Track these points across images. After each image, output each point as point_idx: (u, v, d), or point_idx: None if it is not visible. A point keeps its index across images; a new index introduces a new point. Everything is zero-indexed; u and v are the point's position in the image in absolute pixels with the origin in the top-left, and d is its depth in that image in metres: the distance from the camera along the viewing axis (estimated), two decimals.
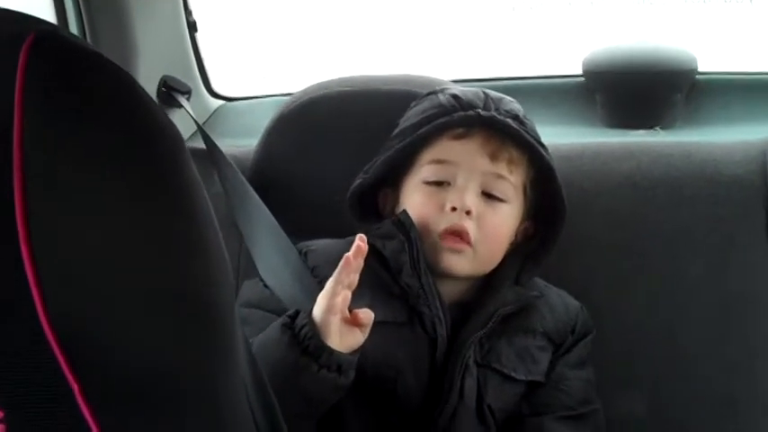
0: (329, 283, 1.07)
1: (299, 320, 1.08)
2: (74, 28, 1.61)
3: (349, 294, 1.07)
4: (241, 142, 1.65)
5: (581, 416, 1.21)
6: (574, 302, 1.29)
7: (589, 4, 2.57)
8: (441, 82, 1.44)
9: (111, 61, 0.55)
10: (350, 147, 1.31)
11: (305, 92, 1.51)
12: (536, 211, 1.29)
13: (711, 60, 1.89)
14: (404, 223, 1.21)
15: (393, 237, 1.22)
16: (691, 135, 1.69)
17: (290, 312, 1.11)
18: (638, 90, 1.81)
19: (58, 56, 0.53)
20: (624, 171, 1.43)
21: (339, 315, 1.06)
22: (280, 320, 1.11)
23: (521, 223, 1.27)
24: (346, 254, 1.07)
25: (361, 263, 1.07)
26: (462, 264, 1.20)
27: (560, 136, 1.61)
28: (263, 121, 1.56)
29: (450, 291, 1.22)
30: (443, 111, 1.23)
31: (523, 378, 1.20)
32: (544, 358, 1.22)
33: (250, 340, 1.11)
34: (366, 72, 1.55)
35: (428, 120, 1.24)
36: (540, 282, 1.31)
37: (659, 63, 1.81)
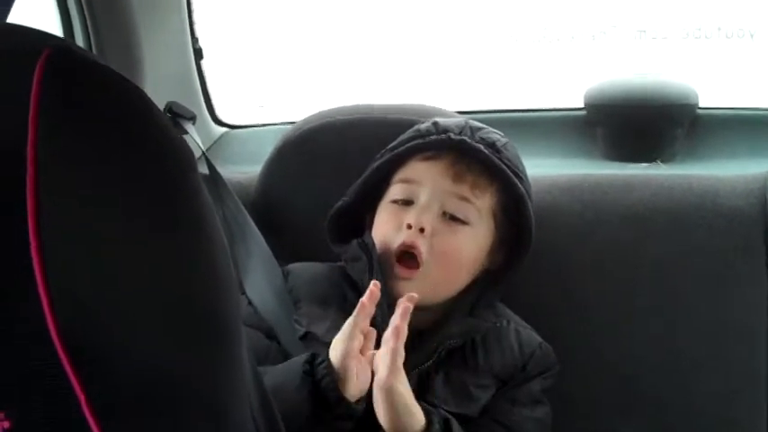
0: (346, 327, 1.09)
1: (320, 370, 1.08)
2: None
3: (362, 338, 1.09)
4: (244, 169, 1.66)
5: None
6: (533, 340, 1.26)
7: (591, 39, 2.59)
8: (442, 111, 1.46)
9: (125, 78, 0.56)
10: (351, 175, 1.32)
11: (307, 120, 1.52)
12: (508, 241, 1.28)
13: (712, 95, 1.90)
14: (367, 245, 1.23)
15: (358, 258, 1.24)
16: (691, 169, 1.69)
17: (307, 357, 1.11)
18: (639, 124, 1.82)
19: (72, 72, 0.54)
20: (625, 202, 1.43)
21: (356, 359, 1.07)
22: (300, 366, 1.10)
23: (491, 250, 1.27)
24: (361, 299, 1.08)
25: (373, 308, 1.08)
26: (413, 290, 1.15)
27: (561, 168, 1.62)
28: (266, 148, 1.56)
29: (415, 316, 1.21)
30: (419, 135, 1.26)
31: (453, 411, 1.17)
32: (483, 396, 1.20)
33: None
34: (368, 101, 1.56)
35: (404, 143, 1.27)
36: (505, 314, 1.29)
37: (661, 97, 1.83)
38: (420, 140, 1.25)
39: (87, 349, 0.51)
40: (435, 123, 1.27)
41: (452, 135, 1.23)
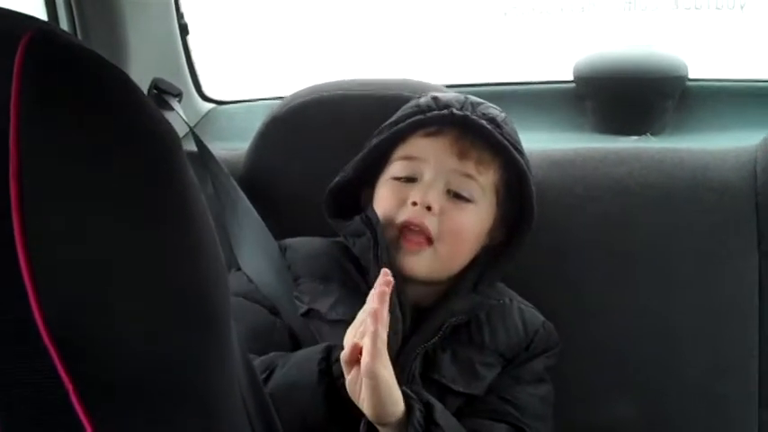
0: (358, 321, 1.05)
1: (337, 368, 1.07)
2: (65, 30, 1.60)
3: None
4: (232, 145, 1.65)
5: (527, 429, 1.18)
6: (537, 319, 1.27)
7: (580, 10, 2.58)
8: (433, 86, 1.45)
9: (107, 60, 0.55)
10: (341, 150, 1.31)
11: (296, 95, 1.51)
12: (508, 217, 1.28)
13: (702, 67, 1.89)
14: (371, 220, 1.22)
15: (361, 234, 1.23)
16: (681, 141, 1.69)
17: (323, 353, 1.10)
18: (628, 96, 1.81)
19: (54, 55, 0.53)
20: (616, 176, 1.43)
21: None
22: (315, 363, 1.09)
23: (492, 227, 1.26)
24: (372, 295, 1.04)
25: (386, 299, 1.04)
26: (421, 265, 1.19)
27: (551, 142, 1.62)
28: (253, 124, 1.56)
29: (412, 293, 1.21)
30: (419, 110, 1.25)
31: (461, 390, 1.18)
32: (489, 374, 1.20)
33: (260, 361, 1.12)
34: (358, 76, 1.55)
35: (404, 118, 1.25)
36: (507, 293, 1.30)
37: (650, 69, 1.82)
38: (421, 116, 1.24)
39: (75, 341, 0.51)
40: (435, 98, 1.26)
41: (455, 110, 1.22)
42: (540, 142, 1.56)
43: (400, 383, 1.08)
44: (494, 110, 1.26)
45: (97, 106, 0.53)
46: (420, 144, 1.24)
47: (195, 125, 1.78)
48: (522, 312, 1.27)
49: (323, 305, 1.21)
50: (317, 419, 1.07)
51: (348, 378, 1.02)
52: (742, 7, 2.41)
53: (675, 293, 1.38)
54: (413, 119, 1.24)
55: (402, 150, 1.25)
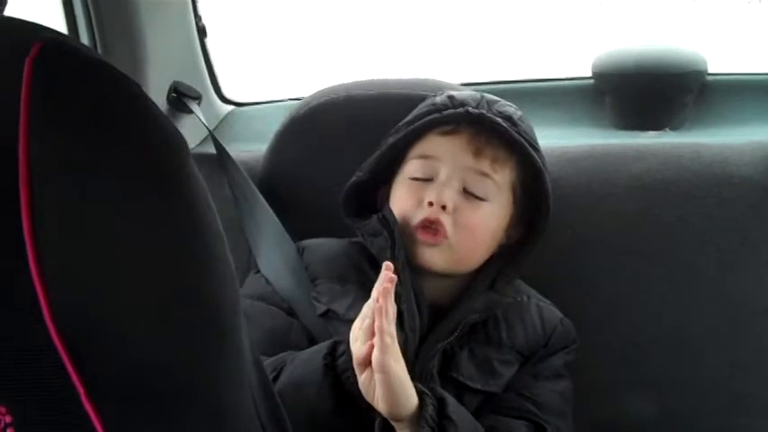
0: (364, 314, 1.06)
1: (341, 363, 1.08)
2: (84, 35, 1.62)
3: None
4: (251, 147, 1.66)
5: (546, 426, 1.18)
6: (554, 315, 1.27)
7: (598, 6, 2.57)
8: (450, 85, 1.45)
9: (117, 70, 0.56)
10: (359, 150, 1.31)
11: (314, 96, 1.52)
12: (525, 215, 1.28)
13: (721, 61, 1.88)
14: (388, 220, 1.22)
15: (378, 234, 1.23)
16: (700, 136, 1.68)
17: (329, 348, 1.11)
18: (647, 92, 1.81)
19: (63, 65, 0.53)
20: (634, 172, 1.43)
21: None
22: (321, 358, 1.10)
23: (509, 225, 1.27)
24: (376, 288, 1.04)
25: (392, 294, 1.04)
26: (437, 258, 1.20)
27: (569, 138, 1.61)
28: (272, 125, 1.56)
29: (430, 290, 1.22)
30: (435, 109, 1.25)
31: (479, 388, 1.18)
32: (507, 372, 1.21)
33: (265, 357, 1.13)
34: (375, 76, 1.55)
35: (420, 117, 1.26)
36: (524, 290, 1.30)
37: (669, 64, 1.81)
38: (437, 115, 1.24)
39: (85, 342, 0.52)
40: (451, 97, 1.26)
41: (470, 109, 1.22)
42: (559, 138, 1.55)
43: (418, 381, 1.09)
44: (510, 108, 1.26)
45: (104, 115, 0.54)
46: (436, 142, 1.24)
47: (215, 127, 1.79)
48: (541, 309, 1.27)
49: (341, 306, 1.21)
50: (324, 414, 1.08)
51: (361, 379, 1.03)
52: (760, 0, 2.40)
53: (694, 289, 1.38)
54: (429, 117, 1.24)
55: (418, 149, 1.25)
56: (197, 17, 1.89)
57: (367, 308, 1.05)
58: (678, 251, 1.39)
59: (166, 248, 0.55)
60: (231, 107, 2.02)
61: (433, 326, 1.20)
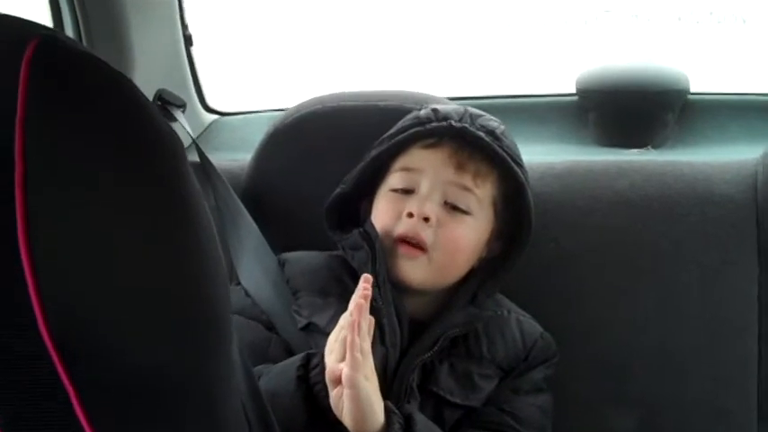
0: (339, 328, 1.07)
1: (314, 376, 1.08)
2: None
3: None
4: (234, 156, 1.66)
5: None
6: (535, 330, 1.27)
7: (583, 24, 2.59)
8: (434, 98, 1.45)
9: (113, 68, 0.55)
10: (343, 161, 1.31)
11: (298, 107, 1.52)
12: (506, 229, 1.28)
13: (703, 81, 1.90)
14: (369, 234, 1.22)
15: (359, 248, 1.23)
16: (682, 154, 1.69)
17: (302, 360, 1.11)
18: (630, 109, 1.82)
19: (59, 62, 0.53)
20: (617, 189, 1.43)
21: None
22: (294, 370, 1.10)
23: (489, 239, 1.26)
24: (354, 299, 1.06)
25: (367, 307, 1.05)
26: (417, 272, 1.19)
27: (553, 154, 1.62)
28: (256, 135, 1.56)
29: (410, 305, 1.22)
30: (419, 122, 1.25)
31: (459, 402, 1.18)
32: (487, 386, 1.20)
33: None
34: (360, 88, 1.55)
35: (403, 130, 1.26)
36: (505, 304, 1.30)
37: (652, 83, 1.82)
38: (420, 128, 1.24)
39: (76, 344, 0.51)
40: (435, 110, 1.26)
41: (453, 122, 1.22)
42: (543, 154, 1.56)
43: (397, 395, 1.09)
44: (493, 122, 1.26)
45: (101, 110, 0.54)
46: (418, 155, 1.24)
47: (198, 136, 1.79)
48: (521, 323, 1.27)
49: (322, 319, 1.21)
50: (298, 427, 1.07)
51: (332, 394, 1.03)
52: (744, 21, 2.42)
53: (676, 306, 1.38)
54: (412, 130, 1.25)
55: (400, 162, 1.25)
56: (183, 26, 1.89)
57: (343, 320, 1.06)
58: (661, 267, 1.39)
59: (161, 249, 0.55)
60: (215, 116, 2.02)
61: (413, 340, 1.19)
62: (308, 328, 1.21)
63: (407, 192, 1.23)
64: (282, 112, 1.54)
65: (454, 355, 1.20)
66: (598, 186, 1.44)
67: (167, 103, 1.63)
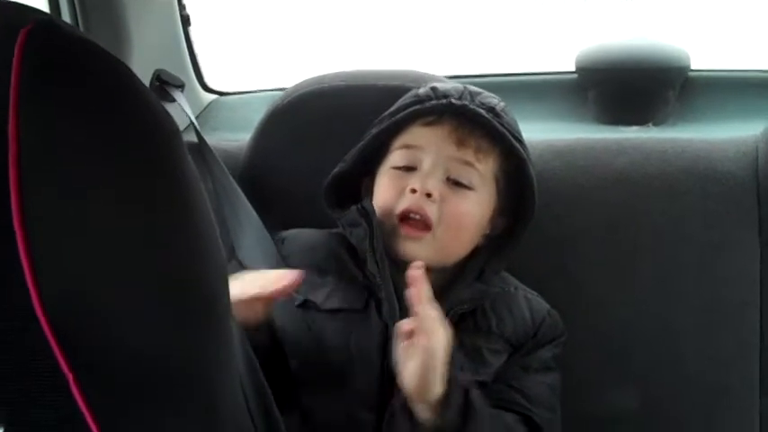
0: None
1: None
2: (67, 21, 1.60)
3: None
4: (233, 136, 1.65)
5: (537, 419, 1.18)
6: (542, 307, 1.27)
7: (582, 1, 2.57)
8: (434, 77, 1.45)
9: (108, 52, 0.55)
10: (342, 141, 1.31)
11: (298, 87, 1.51)
12: (509, 206, 1.28)
13: (704, 57, 1.89)
14: (366, 210, 1.22)
15: (357, 224, 1.23)
16: (683, 132, 1.69)
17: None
18: (630, 87, 1.81)
19: (54, 46, 0.53)
20: (618, 166, 1.43)
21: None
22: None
23: (493, 216, 1.27)
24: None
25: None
26: (421, 251, 1.19)
27: (552, 132, 1.62)
28: (255, 115, 1.56)
29: None
30: (418, 100, 1.26)
31: (469, 378, 1.17)
32: (495, 361, 1.21)
33: None
34: (359, 67, 1.55)
35: (403, 108, 1.26)
36: (512, 281, 1.30)
37: (652, 60, 1.82)
38: (419, 106, 1.24)
39: (75, 331, 0.51)
40: (434, 88, 1.26)
41: (453, 100, 1.23)
42: (543, 132, 1.56)
43: None
44: (493, 99, 1.27)
45: (96, 97, 0.53)
46: (419, 133, 1.24)
47: (197, 116, 1.78)
48: (529, 301, 1.27)
49: (318, 296, 1.21)
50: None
51: (400, 347, 1.05)
52: None
53: (677, 283, 1.38)
54: (412, 108, 1.25)
55: (401, 140, 1.26)
56: (181, 6, 1.88)
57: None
58: (661, 245, 1.39)
59: (158, 234, 0.55)
60: (214, 96, 2.01)
61: None
62: (305, 305, 1.22)
63: (409, 169, 1.23)
64: (282, 92, 1.54)
65: (463, 330, 1.20)
66: (598, 164, 1.44)
67: (166, 84, 1.62)
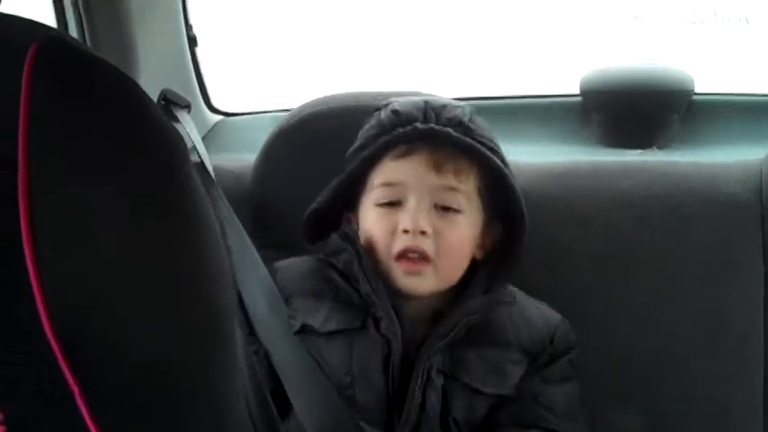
0: None
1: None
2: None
3: None
4: (240, 157, 1.66)
5: (557, 428, 1.18)
6: (554, 315, 1.27)
7: (587, 25, 2.58)
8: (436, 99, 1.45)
9: (116, 69, 0.55)
10: None
11: (304, 107, 1.52)
12: (499, 214, 1.27)
13: (708, 81, 1.90)
14: (348, 235, 1.23)
15: (342, 250, 1.23)
16: (687, 155, 1.69)
17: None
18: (634, 110, 1.82)
19: (63, 63, 0.53)
20: (621, 189, 1.43)
21: None
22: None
23: (484, 228, 1.26)
24: None
25: None
26: (424, 284, 1.19)
27: (557, 155, 1.62)
28: (261, 136, 1.56)
29: (420, 301, 1.22)
30: (383, 129, 1.23)
31: (491, 392, 1.18)
32: (516, 372, 1.20)
33: None
34: (365, 88, 1.56)
35: (372, 140, 1.24)
36: (519, 293, 1.29)
37: (656, 83, 1.82)
38: (387, 137, 1.22)
39: (81, 342, 0.51)
40: (395, 112, 1.23)
41: (419, 124, 1.21)
42: (546, 155, 1.56)
43: (417, 384, 1.14)
44: (458, 110, 1.24)
45: (104, 113, 0.54)
46: (395, 167, 1.22)
47: (203, 137, 1.79)
48: (541, 309, 1.27)
49: (316, 320, 1.20)
50: None
51: None
52: (748, 21, 2.42)
53: (680, 306, 1.38)
54: (380, 141, 1.23)
55: (379, 177, 1.24)
56: (188, 26, 1.89)
57: None
58: (664, 268, 1.39)
59: (165, 249, 0.55)
60: (220, 117, 2.02)
61: (433, 329, 1.19)
62: (303, 330, 1.21)
63: (394, 204, 1.22)
64: (287, 113, 1.54)
65: (482, 344, 1.20)
66: (602, 187, 1.44)
67: (172, 104, 1.63)
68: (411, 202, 1.20)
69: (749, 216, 1.38)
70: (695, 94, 1.82)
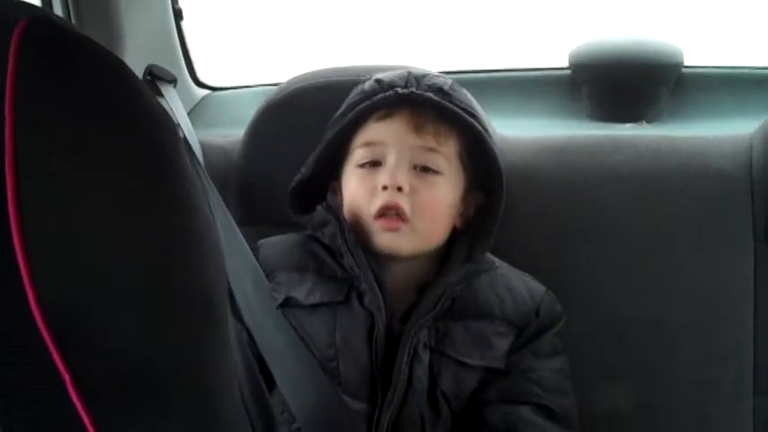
0: None
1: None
2: (59, 14, 1.60)
3: None
4: (227, 132, 1.65)
5: (553, 407, 1.19)
6: (539, 287, 1.28)
7: None
8: (425, 72, 1.44)
9: (104, 48, 0.55)
10: None
11: (292, 81, 1.51)
12: (480, 182, 1.28)
13: (697, 54, 1.89)
14: (332, 207, 1.24)
15: (327, 222, 1.25)
16: (676, 129, 1.69)
17: None
18: (624, 83, 1.81)
19: (50, 42, 0.53)
20: (611, 163, 1.43)
21: None
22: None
23: (464, 194, 1.27)
24: None
25: None
26: (400, 242, 1.21)
27: (546, 129, 1.62)
28: (248, 110, 1.55)
29: (403, 271, 1.23)
30: (365, 96, 1.26)
31: (477, 364, 1.19)
32: (502, 344, 1.21)
33: None
34: (353, 62, 1.55)
35: (352, 107, 1.26)
36: (503, 265, 1.30)
37: (645, 56, 1.81)
38: (369, 102, 1.25)
39: (71, 330, 0.51)
40: (378, 81, 1.26)
41: (399, 90, 1.23)
42: (536, 128, 1.55)
43: (404, 356, 1.14)
44: (439, 79, 1.27)
45: (91, 93, 0.53)
46: (376, 128, 1.25)
47: (189, 111, 1.78)
48: (525, 281, 1.28)
49: (299, 292, 1.22)
50: None
51: None
52: None
53: (670, 281, 1.39)
54: (362, 105, 1.25)
55: (361, 138, 1.26)
56: (173, 0, 1.87)
57: None
58: (654, 242, 1.39)
59: (157, 234, 0.54)
60: (206, 91, 2.00)
61: (418, 302, 1.20)
62: (287, 303, 1.22)
63: (375, 164, 1.24)
64: (275, 88, 1.53)
65: (466, 316, 1.21)
66: (593, 161, 1.44)
67: (158, 79, 1.61)
68: (390, 159, 1.22)
69: (739, 190, 1.38)
70: (684, 67, 1.81)
